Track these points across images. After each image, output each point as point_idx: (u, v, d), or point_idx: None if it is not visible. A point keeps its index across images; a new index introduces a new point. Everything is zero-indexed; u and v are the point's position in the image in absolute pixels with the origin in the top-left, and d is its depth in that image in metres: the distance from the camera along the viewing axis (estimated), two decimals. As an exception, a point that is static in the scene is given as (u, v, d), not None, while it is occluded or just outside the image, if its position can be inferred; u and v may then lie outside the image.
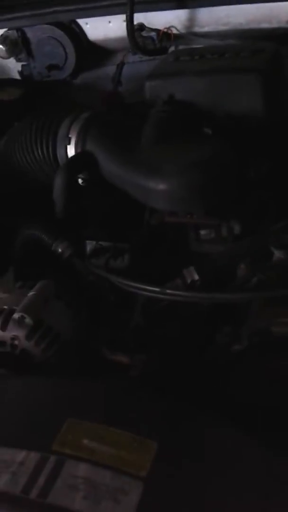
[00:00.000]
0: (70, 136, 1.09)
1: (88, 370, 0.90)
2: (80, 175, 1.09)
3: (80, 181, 1.11)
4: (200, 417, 0.61)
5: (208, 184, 0.95)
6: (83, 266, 1.03)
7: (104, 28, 1.39)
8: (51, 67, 1.43)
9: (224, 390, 0.72)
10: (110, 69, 1.49)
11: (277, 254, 0.87)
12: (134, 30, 1.26)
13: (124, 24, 1.36)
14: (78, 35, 1.40)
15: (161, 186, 0.96)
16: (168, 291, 0.82)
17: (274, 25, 1.26)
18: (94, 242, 1.02)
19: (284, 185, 1.11)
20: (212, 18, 1.30)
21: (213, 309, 0.85)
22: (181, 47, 1.38)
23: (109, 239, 1.10)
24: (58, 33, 1.38)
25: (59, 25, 1.38)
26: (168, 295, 0.82)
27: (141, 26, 1.32)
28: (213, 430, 0.59)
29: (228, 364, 0.76)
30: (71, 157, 1.07)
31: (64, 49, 1.40)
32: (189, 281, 0.95)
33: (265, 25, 1.27)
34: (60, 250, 1.04)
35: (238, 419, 0.61)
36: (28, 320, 0.89)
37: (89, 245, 1.03)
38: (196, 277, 0.95)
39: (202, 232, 1.05)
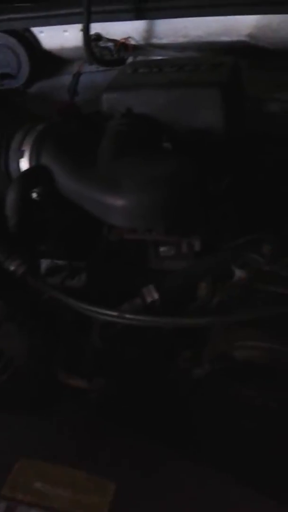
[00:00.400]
0: (23, 149, 1.04)
1: (44, 396, 0.85)
2: (35, 190, 1.05)
3: (34, 195, 1.06)
4: (162, 454, 0.58)
5: (169, 200, 0.92)
6: (38, 284, 0.98)
7: (59, 37, 1.35)
8: (3, 76, 1.38)
9: (186, 420, 0.69)
10: (66, 78, 1.45)
11: (238, 273, 0.85)
12: (90, 40, 1.23)
13: (80, 33, 1.32)
14: (32, 44, 1.36)
15: (121, 203, 0.93)
16: (128, 315, 0.78)
17: (234, 38, 1.25)
18: (49, 260, 0.98)
19: (244, 201, 1.10)
20: (171, 30, 1.28)
21: (174, 331, 0.82)
22: (138, 58, 1.36)
23: (65, 256, 1.06)
24: (12, 41, 1.33)
25: (12, 33, 1.33)
26: (126, 319, 0.78)
27: (98, 36, 1.28)
28: (175, 468, 0.56)
29: (189, 390, 0.72)
30: (25, 171, 1.02)
31: (18, 57, 1.35)
32: (148, 300, 0.92)
33: (224, 38, 1.26)
34: (12, 267, 0.99)
35: (201, 452, 0.58)
36: (-23, 345, 0.84)
37: (44, 263, 0.98)
38: (156, 296, 0.92)
39: (162, 249, 1.02)
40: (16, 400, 0.85)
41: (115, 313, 0.78)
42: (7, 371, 0.86)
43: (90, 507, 0.51)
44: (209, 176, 1.05)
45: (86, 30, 1.20)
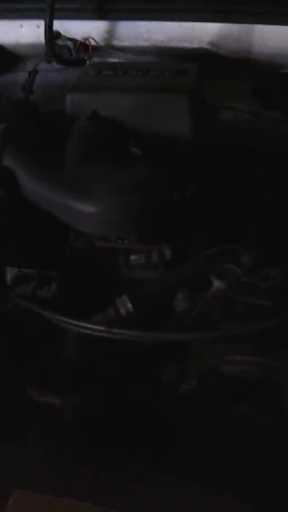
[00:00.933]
0: (-16, 149, 0.98)
1: (15, 416, 0.80)
2: (-5, 192, 0.99)
3: (-6, 198, 1.00)
4: (159, 481, 0.55)
5: (142, 208, 0.90)
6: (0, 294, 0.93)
7: (15, 32, 1.29)
8: None
9: (173, 439, 0.67)
10: (19, 75, 1.38)
11: (217, 284, 0.84)
12: (52, 37, 1.18)
13: (37, 29, 1.28)
14: (-15, 37, 1.29)
15: (92, 209, 0.89)
16: (115, 330, 0.75)
17: (195, 45, 1.25)
18: (15, 269, 0.92)
19: (210, 209, 1.09)
20: (133, 33, 1.25)
21: (154, 345, 0.79)
22: (96, 59, 1.33)
23: (28, 263, 1.00)
24: None
25: None
26: (112, 334, 0.74)
27: (57, 34, 1.23)
28: (176, 493, 0.54)
29: (175, 406, 0.70)
30: (-13, 172, 0.96)
31: None
32: (122, 310, 0.89)
33: (186, 44, 1.25)
34: (-29, 276, 0.93)
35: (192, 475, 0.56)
36: None
37: (10, 272, 0.92)
38: (130, 306, 0.89)
39: (132, 257, 0.99)
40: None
41: (101, 328, 0.74)
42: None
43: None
44: (175, 184, 1.04)
45: (48, 27, 1.15)
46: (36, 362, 0.87)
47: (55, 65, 1.31)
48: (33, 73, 1.28)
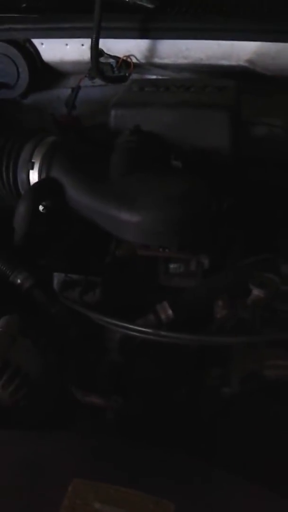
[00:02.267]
0: (33, 161, 1.03)
1: (60, 415, 0.84)
2: (43, 203, 1.03)
3: (41, 208, 1.05)
4: (213, 473, 0.58)
5: (184, 219, 0.94)
6: (45, 299, 0.97)
7: (60, 50, 1.35)
8: (1, 85, 1.35)
9: (214, 440, 0.70)
10: (61, 91, 1.45)
11: (256, 292, 0.87)
12: (98, 55, 1.23)
13: (81, 47, 1.34)
14: (33, 55, 1.35)
15: (136, 219, 0.93)
16: (162, 332, 0.79)
17: (233, 63, 1.29)
18: (62, 275, 0.96)
19: (247, 221, 1.13)
20: (172, 51, 1.30)
21: (197, 348, 0.83)
22: (136, 75, 1.38)
23: (69, 270, 1.05)
24: (12, 51, 1.32)
25: (13, 43, 1.32)
26: (160, 337, 0.78)
27: (101, 52, 1.29)
28: (229, 487, 0.56)
29: (218, 409, 0.73)
30: (37, 182, 1.01)
31: (17, 68, 1.34)
32: (163, 316, 0.92)
33: (224, 62, 1.29)
34: (19, 281, 0.97)
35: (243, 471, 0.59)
36: (-6, 360, 0.82)
37: (57, 278, 0.97)
38: (170, 312, 0.92)
39: (172, 265, 1.03)
40: (32, 418, 0.83)
41: (150, 330, 0.78)
42: (23, 387, 0.84)
43: (152, 527, 0.51)
44: (213, 197, 1.08)
45: (95, 45, 1.20)
46: (80, 364, 0.90)
47: (97, 81, 1.38)
48: (76, 89, 1.35)
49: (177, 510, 0.52)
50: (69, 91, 1.37)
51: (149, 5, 1.31)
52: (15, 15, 1.31)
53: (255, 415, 0.72)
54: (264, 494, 0.55)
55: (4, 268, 0.98)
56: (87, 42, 1.28)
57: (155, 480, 0.55)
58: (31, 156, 1.03)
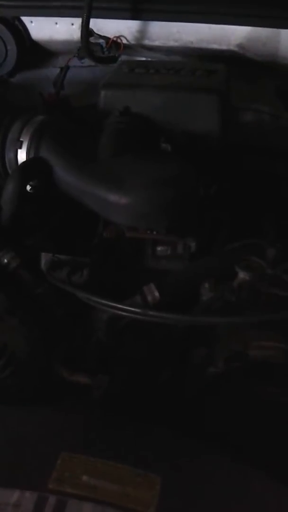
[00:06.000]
0: (21, 140, 1.02)
1: (46, 392, 0.84)
2: (31, 182, 1.03)
3: (28, 188, 1.04)
4: (199, 449, 0.59)
5: (173, 201, 0.94)
6: (31, 278, 0.97)
7: (49, 28, 1.34)
8: (-12, 63, 1.34)
9: (200, 418, 0.71)
10: (49, 71, 1.44)
11: (242, 275, 0.88)
12: (88, 35, 1.22)
13: (71, 26, 1.33)
14: (21, 33, 1.33)
15: (125, 201, 0.93)
16: (151, 312, 0.80)
17: (223, 47, 1.29)
18: (50, 255, 0.96)
19: (235, 205, 1.14)
20: (163, 33, 1.29)
21: (183, 328, 0.84)
22: (126, 57, 1.37)
23: (57, 250, 1.05)
24: (1, 28, 1.30)
25: (2, 20, 1.30)
26: (148, 316, 0.79)
27: (91, 32, 1.28)
28: (215, 462, 0.58)
29: (204, 387, 0.75)
30: (25, 162, 1.00)
31: (5, 45, 1.32)
32: (149, 298, 0.93)
33: (214, 46, 1.29)
34: (5, 260, 0.97)
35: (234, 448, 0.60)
36: (-20, 339, 0.82)
37: (45, 258, 0.97)
38: (157, 294, 0.93)
39: (159, 248, 1.03)
40: (18, 395, 0.84)
41: (138, 310, 0.79)
42: (10, 366, 0.85)
43: (139, 500, 0.52)
44: (201, 180, 1.08)
45: (85, 24, 1.19)
46: (67, 343, 0.91)
47: (86, 61, 1.36)
48: (65, 69, 1.33)
49: (163, 483, 0.54)
50: (58, 70, 1.35)
51: (141, -14, 1.31)
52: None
53: (239, 394, 0.74)
54: (247, 470, 0.57)
55: (-11, 248, 0.97)
56: (77, 21, 1.27)
57: (141, 454, 0.57)
58: (19, 135, 1.02)
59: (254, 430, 0.69)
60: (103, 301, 0.82)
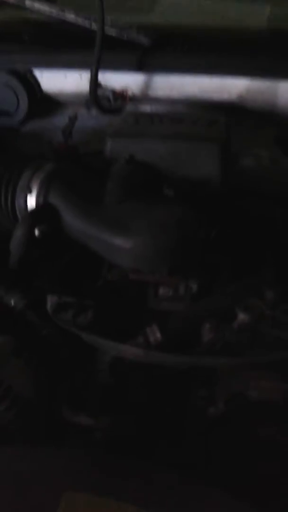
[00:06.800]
0: (31, 186, 1.07)
1: (49, 433, 0.86)
2: (39, 227, 1.07)
3: (37, 232, 1.09)
4: (203, 490, 0.60)
5: (175, 245, 0.98)
6: (38, 320, 1.00)
7: (59, 81, 1.41)
8: (1, 113, 1.40)
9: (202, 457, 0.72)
10: (58, 120, 1.50)
11: (242, 316, 0.90)
12: (97, 87, 1.29)
13: (80, 79, 1.40)
14: (33, 85, 1.41)
15: (129, 245, 0.97)
16: (154, 353, 0.82)
17: (224, 98, 1.35)
18: (56, 297, 0.99)
19: (234, 248, 1.17)
20: (167, 85, 1.36)
21: (184, 369, 0.86)
22: (131, 107, 1.43)
23: (62, 292, 1.08)
24: (13, 81, 1.38)
25: (14, 73, 1.37)
26: (152, 357, 0.81)
27: (98, 84, 1.35)
28: (219, 503, 0.58)
29: (204, 428, 0.76)
30: (35, 208, 1.05)
31: (17, 97, 1.39)
32: (151, 339, 0.95)
33: (215, 97, 1.35)
34: (12, 302, 1.00)
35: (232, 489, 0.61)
36: (-15, 380, 0.84)
37: (51, 300, 1.00)
38: (159, 336, 0.95)
39: (161, 290, 1.06)
40: (22, 435, 0.85)
41: (140, 350, 0.81)
42: (14, 406, 0.86)
43: None
44: (202, 224, 1.12)
45: (94, 78, 1.26)
46: (70, 383, 0.93)
47: (94, 111, 1.43)
48: (74, 118, 1.40)
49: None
50: (66, 119, 1.42)
51: (146, 42, 1.39)
52: (18, 46, 1.37)
53: (239, 434, 0.75)
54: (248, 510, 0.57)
55: (-3, 289, 1.01)
56: (86, 74, 1.35)
57: (145, 494, 0.58)
58: (29, 182, 1.07)
59: (253, 470, 0.70)
60: (107, 342, 0.85)
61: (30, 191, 1.07)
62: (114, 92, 1.35)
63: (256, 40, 1.42)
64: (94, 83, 1.28)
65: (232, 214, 1.21)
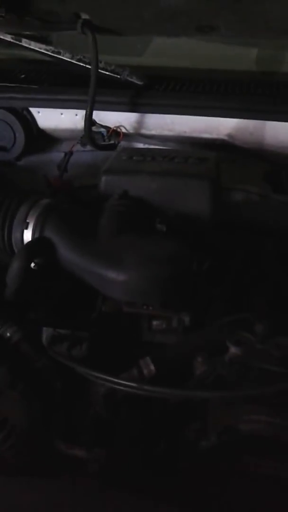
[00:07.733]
0: (28, 221, 1.10)
1: (44, 465, 0.87)
2: (35, 260, 1.10)
3: (32, 265, 1.11)
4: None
5: (168, 278, 1.01)
6: (33, 352, 1.01)
7: (55, 118, 1.46)
8: (-2, 148, 1.45)
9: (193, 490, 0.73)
10: (54, 155, 1.55)
11: (233, 350, 0.93)
12: (92, 125, 1.34)
13: (75, 117, 1.45)
14: (29, 122, 1.45)
15: (122, 278, 1.00)
16: (146, 387, 0.84)
17: (214, 136, 1.40)
18: (51, 329, 1.01)
19: (226, 281, 1.20)
20: (159, 123, 1.41)
21: (179, 403, 0.87)
22: (124, 144, 1.48)
23: (56, 325, 1.10)
24: (10, 118, 1.42)
25: (12, 110, 1.42)
26: (146, 391, 0.83)
27: (93, 122, 1.39)
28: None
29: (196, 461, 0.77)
30: (30, 241, 1.08)
31: (14, 133, 1.43)
32: (145, 371, 0.97)
33: (205, 135, 1.41)
34: (8, 334, 1.02)
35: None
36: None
37: (46, 332, 1.02)
38: (152, 367, 0.97)
39: (155, 322, 1.08)
40: (17, 467, 0.86)
41: (133, 384, 0.83)
42: (10, 438, 0.87)
43: None
44: (194, 258, 1.15)
45: (89, 116, 1.31)
46: (65, 415, 0.94)
47: (88, 147, 1.48)
48: (69, 154, 1.44)
49: None
50: (61, 155, 1.46)
51: (139, 82, 1.45)
52: (15, 85, 1.42)
53: (230, 467, 0.76)
54: None
55: (-6, 322, 1.03)
56: (80, 112, 1.40)
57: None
58: (26, 217, 1.10)
59: (245, 503, 0.71)
60: (101, 375, 0.86)
61: (27, 226, 1.10)
62: (108, 130, 1.40)
63: (243, 82, 1.48)
64: (89, 121, 1.33)
65: (223, 248, 1.25)
